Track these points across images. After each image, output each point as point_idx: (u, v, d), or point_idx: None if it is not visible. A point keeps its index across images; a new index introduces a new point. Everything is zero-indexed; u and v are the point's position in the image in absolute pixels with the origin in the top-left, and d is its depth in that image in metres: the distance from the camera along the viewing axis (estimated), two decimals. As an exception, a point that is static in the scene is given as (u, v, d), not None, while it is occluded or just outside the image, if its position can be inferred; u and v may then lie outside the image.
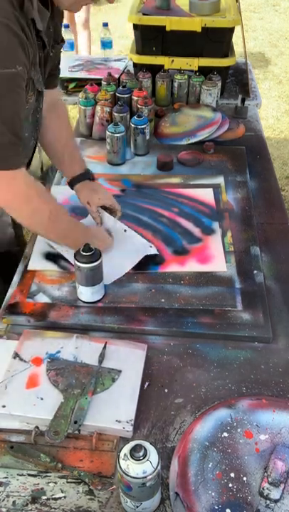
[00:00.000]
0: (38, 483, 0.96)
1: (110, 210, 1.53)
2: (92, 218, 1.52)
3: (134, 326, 1.26)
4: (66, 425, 1.02)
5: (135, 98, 2.04)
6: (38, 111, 1.37)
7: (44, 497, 0.94)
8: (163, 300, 1.32)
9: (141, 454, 0.85)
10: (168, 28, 2.12)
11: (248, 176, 1.80)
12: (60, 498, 0.94)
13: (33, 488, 0.96)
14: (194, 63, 2.21)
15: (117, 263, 1.40)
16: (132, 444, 0.86)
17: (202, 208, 1.63)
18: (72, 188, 1.55)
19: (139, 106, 2.00)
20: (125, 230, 1.49)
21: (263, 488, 0.90)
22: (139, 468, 0.84)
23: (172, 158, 1.85)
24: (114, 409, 1.06)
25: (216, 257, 1.45)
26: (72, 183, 1.54)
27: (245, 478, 0.92)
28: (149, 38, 2.18)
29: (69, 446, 1.02)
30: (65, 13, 1.52)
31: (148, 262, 1.43)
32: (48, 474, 0.98)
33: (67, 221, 1.38)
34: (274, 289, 1.38)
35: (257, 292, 1.34)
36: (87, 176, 1.54)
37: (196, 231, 1.54)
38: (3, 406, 1.06)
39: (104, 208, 1.52)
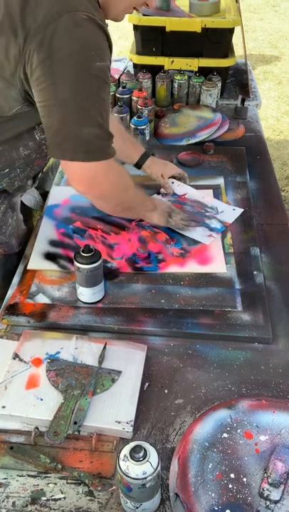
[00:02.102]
0: (38, 484, 0.96)
1: (179, 179, 1.70)
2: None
3: (134, 326, 1.26)
4: (66, 426, 1.02)
5: (135, 99, 2.04)
6: None
7: (44, 498, 0.94)
8: (163, 301, 1.32)
9: (141, 454, 0.85)
10: (168, 29, 2.12)
11: (248, 176, 1.80)
12: (59, 499, 0.94)
13: (32, 489, 0.96)
14: (194, 64, 2.21)
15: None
16: (131, 444, 0.86)
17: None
18: (139, 168, 1.67)
19: (139, 106, 2.00)
20: (203, 197, 1.66)
21: (263, 489, 0.90)
22: (139, 469, 0.84)
23: (172, 159, 1.85)
24: (114, 410, 1.06)
25: (215, 258, 1.45)
26: (140, 163, 1.66)
27: (245, 479, 0.92)
28: (149, 39, 2.18)
29: (69, 447, 1.02)
30: None
31: (148, 262, 1.43)
32: (48, 475, 0.98)
33: (140, 199, 1.47)
34: (274, 289, 1.38)
35: (257, 293, 1.34)
36: (150, 152, 1.69)
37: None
38: (3, 407, 1.06)
39: (173, 177, 1.70)
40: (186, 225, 1.52)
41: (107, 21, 1.27)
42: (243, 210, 1.61)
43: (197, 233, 1.51)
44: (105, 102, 1.18)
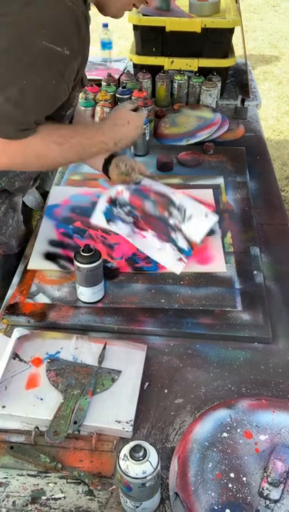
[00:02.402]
0: (38, 484, 0.97)
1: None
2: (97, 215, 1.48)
3: (133, 326, 1.27)
4: (66, 425, 1.02)
5: (135, 99, 2.05)
6: (74, 106, 1.37)
7: (44, 497, 0.94)
8: (163, 300, 1.32)
9: (141, 454, 0.85)
10: (168, 29, 2.12)
11: (248, 176, 1.80)
12: (59, 498, 0.94)
13: (32, 489, 0.96)
14: (194, 64, 2.21)
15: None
16: (131, 444, 0.86)
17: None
18: (107, 174, 1.50)
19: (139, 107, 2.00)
20: (173, 192, 1.51)
21: (263, 489, 0.90)
22: (138, 469, 0.84)
23: (172, 159, 1.85)
24: (114, 410, 1.06)
25: (215, 257, 1.45)
26: (107, 166, 1.49)
27: (244, 479, 0.92)
28: (148, 39, 2.18)
29: (69, 446, 1.02)
30: None
31: (148, 262, 1.43)
32: (48, 475, 0.98)
33: (87, 136, 1.29)
34: (274, 289, 1.38)
35: (257, 293, 1.34)
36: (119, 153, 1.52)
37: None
38: (3, 406, 1.06)
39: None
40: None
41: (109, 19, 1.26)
42: (217, 218, 1.45)
43: (167, 255, 1.40)
44: (40, 89, 1.09)
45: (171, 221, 1.45)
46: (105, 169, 1.50)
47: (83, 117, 1.57)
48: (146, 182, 1.51)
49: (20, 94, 1.07)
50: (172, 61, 2.21)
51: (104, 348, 1.18)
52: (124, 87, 2.11)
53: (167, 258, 1.40)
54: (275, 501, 0.89)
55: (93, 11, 1.28)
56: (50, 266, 1.43)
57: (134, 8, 1.98)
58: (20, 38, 1.04)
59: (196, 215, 1.45)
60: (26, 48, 1.05)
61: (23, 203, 1.56)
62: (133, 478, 0.84)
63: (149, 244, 1.42)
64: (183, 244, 1.42)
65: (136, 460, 0.84)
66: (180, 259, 1.40)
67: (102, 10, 1.26)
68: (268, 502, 0.89)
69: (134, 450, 0.85)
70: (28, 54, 1.05)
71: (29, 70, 1.06)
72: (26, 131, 1.13)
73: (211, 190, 1.71)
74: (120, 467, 0.85)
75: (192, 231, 1.43)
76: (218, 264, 1.43)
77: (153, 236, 1.43)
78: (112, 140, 1.33)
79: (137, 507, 0.89)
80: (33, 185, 1.52)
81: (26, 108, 1.10)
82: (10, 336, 1.24)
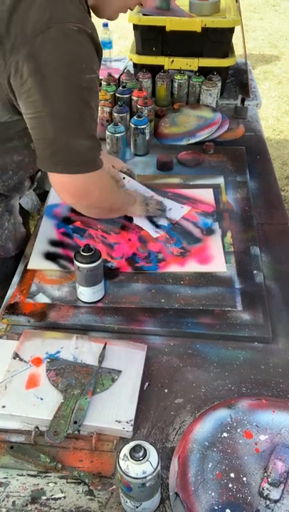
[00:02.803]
0: (38, 484, 0.97)
1: (129, 176, 1.68)
2: None
3: (134, 326, 1.26)
4: (66, 425, 1.02)
5: (135, 98, 2.04)
6: None
7: (44, 497, 0.94)
8: (163, 300, 1.32)
9: (141, 454, 0.85)
10: (168, 29, 2.12)
11: (248, 176, 1.80)
12: (59, 498, 0.94)
13: (32, 489, 0.96)
14: (194, 63, 2.21)
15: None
16: (131, 444, 0.86)
17: (202, 208, 1.63)
18: None
19: (139, 106, 2.00)
20: (152, 196, 1.64)
21: (263, 489, 0.90)
22: (139, 469, 0.84)
23: (172, 159, 1.85)
24: (114, 410, 1.06)
25: (215, 257, 1.45)
26: None
27: (245, 479, 0.92)
28: (149, 38, 2.18)
29: (69, 446, 1.02)
30: None
31: (148, 262, 1.43)
32: (48, 474, 0.98)
33: (123, 197, 1.49)
34: (274, 289, 1.38)
35: (257, 292, 1.34)
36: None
37: (196, 231, 1.54)
38: (3, 406, 1.06)
39: (123, 172, 1.67)
40: (161, 210, 1.56)
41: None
42: (190, 208, 1.62)
43: (146, 226, 1.54)
44: (95, 112, 1.18)
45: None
46: None
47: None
48: (132, 185, 1.66)
49: (90, 125, 1.16)
50: (172, 61, 2.21)
51: (104, 347, 1.18)
52: (124, 87, 2.11)
53: (147, 226, 1.55)
54: (275, 501, 0.89)
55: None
56: (50, 266, 1.43)
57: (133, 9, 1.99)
58: (70, 81, 1.10)
59: (174, 207, 1.63)
60: (79, 87, 1.11)
61: (20, 206, 1.55)
62: (133, 478, 0.84)
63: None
64: (163, 222, 1.56)
65: (136, 460, 0.84)
66: (156, 231, 1.53)
67: (98, 13, 1.27)
68: (268, 502, 0.89)
69: (134, 450, 0.85)
70: (83, 91, 1.12)
71: (89, 103, 1.14)
72: (100, 161, 1.23)
73: (211, 190, 1.71)
74: (120, 467, 0.85)
75: (172, 214, 1.60)
76: (218, 264, 1.43)
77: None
78: (132, 196, 1.53)
79: (137, 507, 0.89)
80: (31, 186, 1.51)
81: (95, 133, 1.20)
82: (10, 336, 1.24)
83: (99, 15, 1.27)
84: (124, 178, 1.67)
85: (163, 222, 1.56)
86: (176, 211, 1.60)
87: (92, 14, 1.27)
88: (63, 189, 1.24)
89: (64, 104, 1.11)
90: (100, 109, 1.99)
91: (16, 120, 1.20)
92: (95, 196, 1.27)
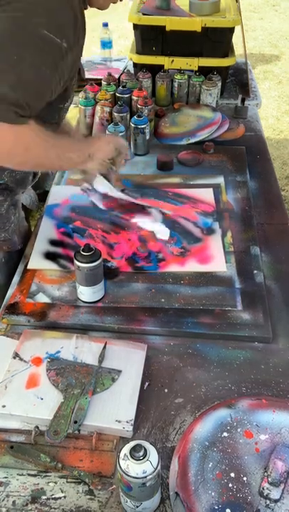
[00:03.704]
0: (38, 483, 0.97)
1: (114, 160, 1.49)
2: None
3: (134, 326, 1.26)
4: (66, 425, 1.02)
5: (135, 98, 2.04)
6: (72, 99, 1.38)
7: (44, 497, 0.94)
8: (163, 300, 1.32)
9: (141, 453, 0.85)
10: (168, 28, 2.12)
11: (248, 176, 1.80)
12: (60, 497, 0.94)
13: (33, 488, 0.96)
14: (194, 63, 2.21)
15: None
16: (132, 444, 0.86)
17: (202, 208, 1.63)
18: None
19: (139, 106, 2.00)
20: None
21: (263, 488, 0.90)
22: (139, 468, 0.84)
23: (172, 158, 1.85)
24: (114, 409, 1.06)
25: (215, 257, 1.45)
26: None
27: (245, 478, 0.92)
28: (149, 38, 2.18)
29: (69, 446, 1.02)
30: None
31: (148, 262, 1.43)
32: (48, 474, 0.98)
33: (56, 154, 1.28)
34: (274, 289, 1.38)
35: (257, 292, 1.34)
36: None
37: (196, 231, 1.54)
38: (3, 406, 1.06)
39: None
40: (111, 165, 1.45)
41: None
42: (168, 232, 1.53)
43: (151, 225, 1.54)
44: (36, 76, 1.09)
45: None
46: None
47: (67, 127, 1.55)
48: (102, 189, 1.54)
49: (18, 78, 1.07)
50: (172, 60, 2.21)
51: (104, 347, 1.18)
52: (124, 87, 2.11)
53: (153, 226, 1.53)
54: (276, 501, 0.89)
55: (91, 11, 1.29)
56: (50, 265, 1.43)
57: (134, 8, 1.99)
58: (21, 23, 1.05)
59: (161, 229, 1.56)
60: (26, 33, 1.05)
61: None
62: (133, 477, 0.84)
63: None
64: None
65: (136, 460, 0.84)
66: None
67: (89, 1, 1.27)
68: (268, 502, 0.89)
69: (134, 450, 0.85)
70: (28, 40, 1.06)
71: (28, 56, 1.07)
72: (22, 118, 1.11)
73: (211, 190, 1.71)
74: (120, 467, 0.85)
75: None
76: (219, 264, 1.43)
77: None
78: (87, 151, 1.35)
79: (137, 506, 0.89)
80: (33, 181, 1.52)
81: (23, 93, 1.09)
82: (10, 336, 1.24)
83: (90, 3, 1.27)
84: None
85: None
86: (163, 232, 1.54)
87: (98, 14, 1.27)
88: None
89: (1, 37, 1.05)
90: (100, 108, 1.99)
91: None
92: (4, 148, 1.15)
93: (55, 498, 0.94)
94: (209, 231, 1.54)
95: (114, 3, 1.31)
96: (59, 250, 1.48)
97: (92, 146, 1.37)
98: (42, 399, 1.08)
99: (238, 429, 0.99)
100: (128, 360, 1.16)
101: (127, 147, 1.47)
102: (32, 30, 1.05)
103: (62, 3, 1.07)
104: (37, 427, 1.03)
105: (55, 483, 0.97)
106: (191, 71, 2.21)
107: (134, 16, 2.12)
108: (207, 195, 1.69)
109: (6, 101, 1.07)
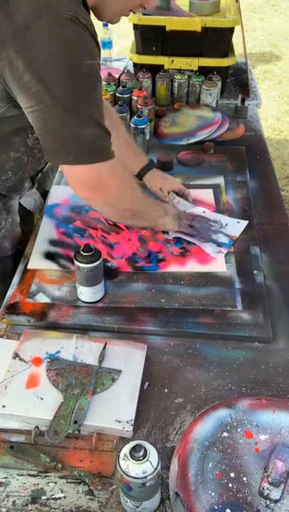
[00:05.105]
0: (38, 483, 0.96)
1: (180, 196, 1.64)
2: None
3: (134, 326, 1.26)
4: (66, 425, 1.02)
5: (135, 98, 2.04)
6: None
7: (44, 497, 0.94)
8: (163, 300, 1.32)
9: (141, 454, 0.85)
10: (168, 28, 2.12)
11: (248, 176, 1.80)
12: (60, 498, 0.94)
13: (32, 488, 0.96)
14: (194, 63, 2.21)
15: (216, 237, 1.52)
16: (131, 444, 0.86)
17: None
18: (140, 179, 1.61)
19: (139, 106, 2.00)
20: (204, 211, 1.60)
21: (263, 488, 0.90)
22: (139, 469, 0.84)
23: (172, 158, 1.85)
24: (114, 410, 1.06)
25: (215, 257, 1.45)
26: (141, 174, 1.61)
27: (245, 479, 0.92)
28: (149, 38, 2.18)
29: (69, 446, 1.02)
30: None
31: (148, 262, 1.43)
32: (48, 474, 0.98)
33: (149, 203, 1.42)
34: (274, 289, 1.38)
35: (257, 292, 1.34)
36: (154, 164, 1.65)
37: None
38: (3, 406, 1.06)
39: (175, 193, 1.63)
40: (193, 228, 1.51)
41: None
42: (247, 222, 1.56)
43: (207, 248, 1.47)
44: (100, 100, 1.14)
45: (213, 228, 1.54)
46: (140, 175, 1.61)
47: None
48: (182, 206, 1.61)
49: (97, 113, 1.12)
50: (172, 60, 2.21)
51: (104, 347, 1.18)
52: (124, 87, 2.11)
53: (208, 248, 1.48)
54: (276, 501, 0.89)
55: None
56: (50, 265, 1.43)
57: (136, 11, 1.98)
58: (72, 68, 1.06)
59: (230, 222, 1.57)
60: (79, 73, 1.07)
61: (21, 205, 1.55)
62: (133, 477, 0.84)
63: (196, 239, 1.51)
64: (224, 240, 1.50)
65: (136, 460, 0.84)
66: (219, 251, 1.46)
67: (98, 16, 1.25)
68: (268, 502, 0.89)
69: (134, 450, 0.85)
70: (83, 78, 1.08)
71: (93, 90, 1.11)
72: (112, 149, 1.18)
73: (211, 190, 1.71)
74: (120, 467, 0.85)
75: (230, 230, 1.54)
76: (219, 264, 1.43)
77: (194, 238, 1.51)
78: (162, 207, 1.47)
79: (137, 507, 0.89)
80: (32, 187, 1.51)
81: (103, 121, 1.14)
82: (10, 336, 1.24)
83: (99, 17, 1.25)
84: (174, 198, 1.61)
85: (223, 239, 1.49)
86: (233, 226, 1.54)
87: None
88: (77, 182, 1.18)
89: (66, 92, 1.07)
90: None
91: (12, 115, 1.17)
92: (111, 189, 1.20)
93: (55, 499, 0.94)
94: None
95: (126, 15, 1.29)
96: (59, 250, 1.48)
97: (163, 205, 1.51)
98: (42, 399, 1.08)
99: (238, 429, 0.99)
100: (128, 360, 1.16)
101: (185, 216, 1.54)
102: (79, 67, 1.07)
103: (80, 31, 1.07)
104: (37, 427, 1.03)
105: (55, 483, 0.97)
106: (191, 71, 2.21)
107: (134, 16, 2.12)
108: (207, 195, 1.69)
109: (104, 138, 1.14)
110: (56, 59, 1.04)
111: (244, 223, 1.56)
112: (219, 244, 1.48)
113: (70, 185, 1.19)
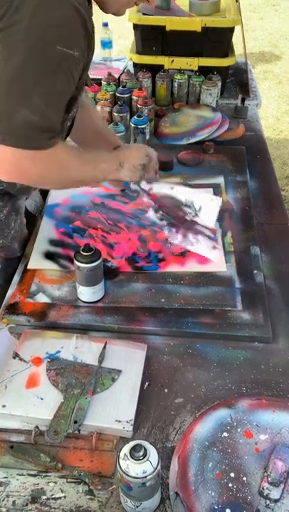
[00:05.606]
0: (38, 483, 0.97)
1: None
2: None
3: (134, 326, 1.26)
4: (66, 425, 1.02)
5: (135, 98, 2.04)
6: (78, 107, 1.37)
7: (44, 497, 0.94)
8: (163, 300, 1.32)
9: (141, 453, 0.85)
10: (168, 28, 2.12)
11: (248, 175, 1.80)
12: (60, 497, 0.94)
13: (32, 488, 0.96)
14: (194, 63, 2.21)
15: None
16: (131, 443, 0.86)
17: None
18: None
19: (139, 106, 2.00)
20: (172, 188, 1.51)
21: (263, 488, 0.90)
22: (139, 468, 0.84)
23: (172, 158, 1.85)
24: (114, 409, 1.06)
25: (212, 257, 1.45)
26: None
27: (245, 478, 0.92)
28: (149, 38, 2.18)
29: (69, 446, 1.02)
30: None
31: (148, 262, 1.43)
32: (48, 474, 0.98)
33: (91, 167, 1.31)
34: (274, 289, 1.38)
35: (257, 292, 1.34)
36: (124, 145, 1.55)
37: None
38: (3, 406, 1.06)
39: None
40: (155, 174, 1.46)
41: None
42: (221, 199, 1.50)
43: (201, 247, 1.45)
44: (59, 94, 1.11)
45: (188, 218, 1.49)
46: None
47: (96, 120, 1.56)
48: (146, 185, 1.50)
49: (45, 103, 1.08)
50: (172, 60, 2.21)
51: (104, 347, 1.18)
52: (124, 87, 2.11)
53: (205, 249, 1.45)
54: (276, 501, 0.89)
55: (94, 11, 1.28)
56: (50, 265, 1.43)
57: (134, 8, 1.99)
58: (36, 45, 1.03)
59: (204, 203, 1.49)
60: (44, 55, 1.04)
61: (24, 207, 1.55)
62: (133, 477, 0.84)
63: (188, 241, 1.48)
64: (208, 233, 1.47)
65: (136, 459, 0.84)
66: (214, 247, 1.45)
67: (104, 8, 1.25)
68: (268, 502, 0.89)
69: (134, 450, 0.85)
70: (47, 61, 1.05)
71: (50, 77, 1.07)
72: (53, 140, 1.13)
73: (211, 190, 1.71)
74: (120, 467, 0.85)
75: (205, 219, 1.48)
76: (219, 264, 1.43)
77: (186, 234, 1.48)
78: (117, 159, 1.34)
79: (137, 506, 0.89)
80: (37, 188, 1.51)
81: (51, 115, 1.11)
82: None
83: (105, 9, 1.25)
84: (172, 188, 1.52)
85: (208, 233, 1.47)
86: (207, 210, 1.48)
87: (98, 14, 1.26)
88: None
89: (20, 68, 1.03)
90: (99, 108, 1.99)
91: None
92: (31, 175, 1.17)
93: (55, 498, 0.94)
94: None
95: (131, 7, 1.29)
96: (59, 250, 1.47)
97: (122, 154, 1.37)
98: (42, 399, 1.08)
99: (238, 429, 0.99)
100: (128, 360, 1.16)
101: (156, 153, 1.46)
102: (48, 49, 1.04)
103: (70, 16, 1.05)
104: (37, 427, 1.03)
105: (55, 483, 0.97)
106: (191, 71, 2.21)
107: (134, 15, 2.12)
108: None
109: (38, 129, 1.09)
110: (26, 33, 1.02)
111: (218, 201, 1.50)
112: (210, 238, 1.47)
113: None
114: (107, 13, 1.27)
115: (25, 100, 1.05)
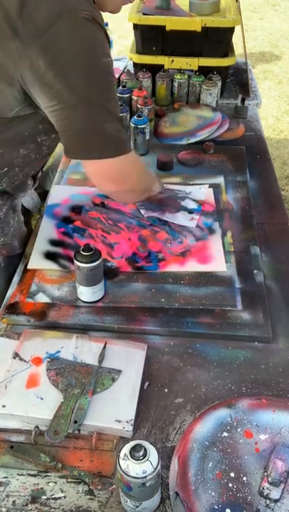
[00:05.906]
0: (38, 483, 0.97)
1: None
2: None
3: (134, 325, 1.26)
4: (66, 425, 1.02)
5: (135, 98, 2.04)
6: None
7: (44, 497, 0.94)
8: (163, 300, 1.32)
9: (141, 453, 0.85)
10: (168, 28, 2.12)
11: (248, 175, 1.80)
12: (60, 497, 0.94)
13: (32, 488, 0.96)
14: (194, 63, 2.21)
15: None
16: (131, 443, 0.86)
17: (202, 207, 1.63)
18: None
19: (139, 106, 2.00)
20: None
21: (263, 488, 0.90)
22: (139, 468, 0.84)
23: (172, 158, 1.85)
24: (114, 409, 1.06)
25: (215, 256, 1.45)
26: None
27: (245, 478, 0.92)
28: (149, 38, 2.18)
29: (69, 446, 1.02)
30: None
31: (148, 262, 1.43)
32: (48, 474, 0.98)
33: (150, 177, 1.48)
34: (274, 289, 1.38)
35: (257, 292, 1.34)
36: None
37: (196, 230, 1.54)
38: (3, 406, 1.06)
39: None
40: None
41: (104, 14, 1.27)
42: (208, 187, 1.66)
43: (179, 219, 1.55)
44: (116, 95, 1.20)
45: (179, 195, 1.63)
46: None
47: None
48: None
49: (115, 107, 1.18)
50: (172, 60, 2.21)
51: (104, 347, 1.18)
52: (124, 86, 2.11)
53: (180, 219, 1.55)
54: (276, 501, 0.89)
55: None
56: (50, 265, 1.43)
57: (134, 8, 1.99)
58: (89, 65, 1.10)
59: (193, 189, 1.68)
60: (98, 70, 1.11)
61: (21, 205, 1.55)
62: (133, 477, 0.84)
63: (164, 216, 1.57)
64: (192, 205, 1.59)
65: (136, 459, 0.84)
66: (191, 219, 1.55)
67: (102, 7, 1.27)
68: (268, 501, 0.89)
69: (134, 449, 0.85)
70: (103, 75, 1.12)
71: (110, 86, 1.15)
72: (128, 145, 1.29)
73: (211, 190, 1.71)
74: (120, 467, 0.85)
75: (195, 195, 1.65)
76: (219, 264, 1.42)
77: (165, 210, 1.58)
78: (160, 181, 1.51)
79: (137, 506, 0.89)
80: (33, 185, 1.51)
81: (120, 116, 1.24)
82: (10, 336, 1.24)
83: (102, 8, 1.27)
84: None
85: (192, 205, 1.58)
86: (196, 192, 1.64)
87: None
88: (103, 177, 1.23)
89: (88, 89, 1.10)
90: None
91: (27, 114, 1.19)
92: (134, 179, 1.29)
93: (55, 498, 0.94)
94: (209, 231, 1.54)
95: (126, 4, 1.33)
96: (59, 250, 1.47)
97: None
98: (42, 399, 1.08)
99: (238, 429, 0.99)
100: (128, 360, 1.16)
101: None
102: (98, 65, 1.11)
103: (95, 28, 1.11)
104: (37, 426, 1.03)
105: (55, 483, 0.97)
106: (191, 71, 2.21)
107: (134, 15, 2.12)
108: (207, 195, 1.69)
109: (123, 132, 1.20)
110: (77, 58, 1.08)
111: (205, 187, 1.66)
112: (190, 211, 1.56)
113: (94, 182, 1.26)
114: (104, 11, 1.29)
115: (106, 115, 1.14)
